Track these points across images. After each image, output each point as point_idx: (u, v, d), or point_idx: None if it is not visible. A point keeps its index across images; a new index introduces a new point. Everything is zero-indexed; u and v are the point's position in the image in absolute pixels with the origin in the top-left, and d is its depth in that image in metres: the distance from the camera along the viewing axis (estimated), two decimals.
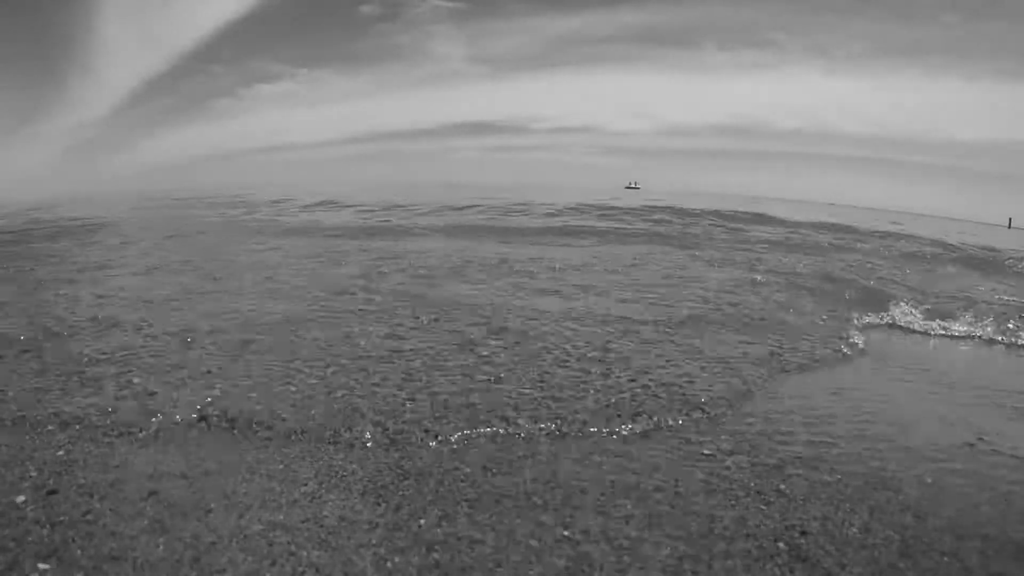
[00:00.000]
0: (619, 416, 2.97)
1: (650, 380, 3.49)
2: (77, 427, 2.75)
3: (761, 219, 17.16)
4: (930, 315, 5.68)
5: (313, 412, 2.94)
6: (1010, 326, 5.37)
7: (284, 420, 2.85)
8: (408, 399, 3.12)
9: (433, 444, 2.67)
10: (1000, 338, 5.12)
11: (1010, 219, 47.27)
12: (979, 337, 5.15)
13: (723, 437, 2.83)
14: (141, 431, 2.73)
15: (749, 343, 4.46)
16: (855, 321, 5.37)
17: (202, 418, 2.85)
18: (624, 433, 2.83)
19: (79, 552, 1.87)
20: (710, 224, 14.88)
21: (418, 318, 4.80)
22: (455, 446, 2.66)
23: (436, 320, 4.75)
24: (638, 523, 2.10)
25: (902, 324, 5.42)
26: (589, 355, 3.95)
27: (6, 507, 2.11)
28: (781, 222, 16.52)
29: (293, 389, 3.24)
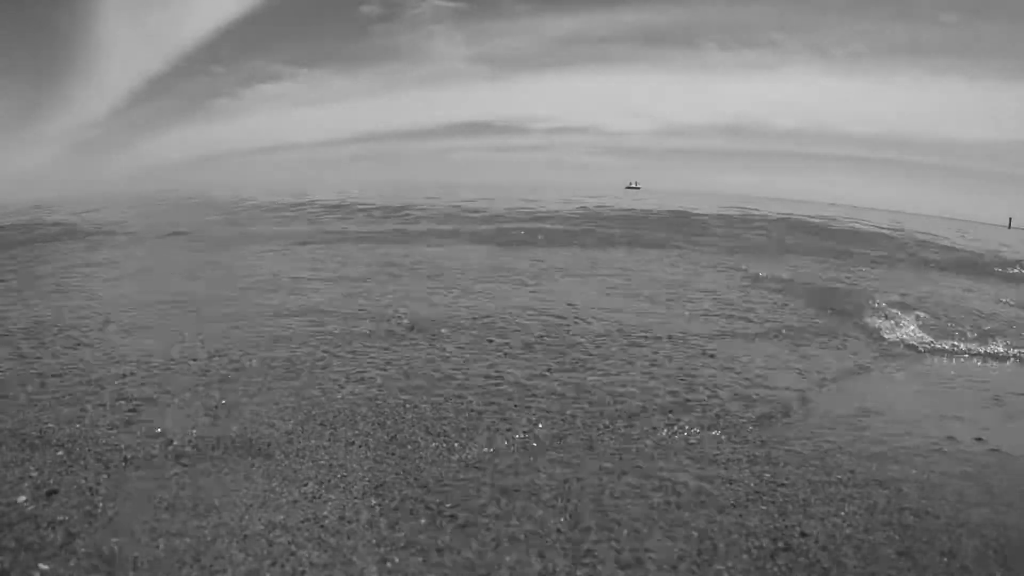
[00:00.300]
0: (618, 418, 2.98)
1: (650, 386, 3.49)
2: (78, 425, 2.76)
3: (762, 220, 17.16)
4: (929, 320, 5.67)
5: (314, 412, 2.95)
6: (1008, 330, 5.37)
7: (285, 420, 2.86)
8: (408, 400, 3.13)
9: (434, 444, 2.67)
10: (998, 342, 5.12)
11: (1010, 219, 47.21)
12: (978, 340, 5.15)
13: (722, 439, 2.83)
14: (141, 431, 2.73)
15: (749, 349, 4.46)
16: (853, 327, 5.37)
17: (203, 415, 2.86)
18: (621, 433, 2.83)
19: (79, 552, 1.88)
20: (710, 225, 14.88)
21: (419, 321, 4.80)
22: (455, 446, 2.67)
23: (437, 323, 4.75)
24: (638, 522, 2.10)
25: (901, 330, 5.41)
26: (591, 357, 3.95)
27: (7, 507, 2.11)
28: (781, 223, 16.52)
29: (294, 389, 3.25)
